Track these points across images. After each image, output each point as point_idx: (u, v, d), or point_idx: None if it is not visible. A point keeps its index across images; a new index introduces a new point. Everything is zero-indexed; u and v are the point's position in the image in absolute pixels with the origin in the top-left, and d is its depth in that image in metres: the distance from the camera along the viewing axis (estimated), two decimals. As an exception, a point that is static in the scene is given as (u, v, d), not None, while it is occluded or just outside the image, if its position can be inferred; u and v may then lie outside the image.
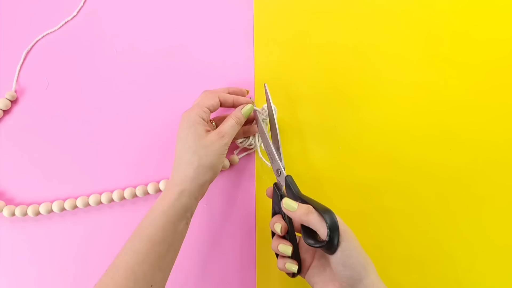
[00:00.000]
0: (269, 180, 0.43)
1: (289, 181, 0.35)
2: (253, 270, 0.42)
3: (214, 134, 0.34)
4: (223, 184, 0.43)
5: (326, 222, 0.29)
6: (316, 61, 0.46)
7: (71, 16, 0.48)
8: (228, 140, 0.35)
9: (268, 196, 0.38)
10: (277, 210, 0.37)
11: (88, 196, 0.42)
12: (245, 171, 0.44)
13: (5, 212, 0.41)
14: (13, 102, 0.45)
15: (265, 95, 0.39)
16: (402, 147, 0.44)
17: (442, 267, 0.42)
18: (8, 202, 0.43)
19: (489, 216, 0.43)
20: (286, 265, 0.34)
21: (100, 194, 0.42)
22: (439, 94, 0.45)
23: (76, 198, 0.42)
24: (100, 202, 0.42)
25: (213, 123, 0.40)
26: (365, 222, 0.43)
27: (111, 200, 0.42)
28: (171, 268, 0.32)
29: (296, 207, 0.32)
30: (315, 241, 0.31)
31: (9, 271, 0.42)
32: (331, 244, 0.29)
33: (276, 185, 0.37)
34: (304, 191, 0.43)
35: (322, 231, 0.30)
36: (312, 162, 0.44)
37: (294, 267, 0.34)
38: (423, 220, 0.43)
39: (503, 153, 0.44)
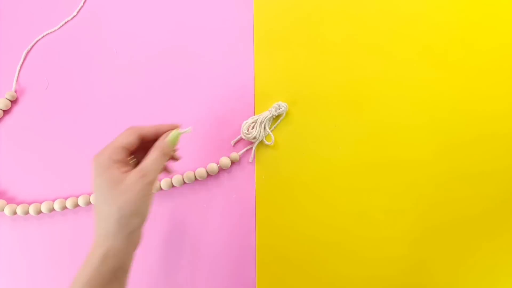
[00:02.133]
0: (269, 180, 0.44)
1: None
2: (253, 270, 0.42)
3: (132, 175, 0.28)
4: (223, 183, 0.44)
5: None
6: (316, 60, 0.46)
7: (71, 16, 0.48)
8: (152, 178, 0.29)
9: None
10: None
11: (90, 194, 0.42)
12: (244, 170, 0.44)
13: (7, 211, 0.42)
14: (13, 102, 0.46)
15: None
16: (403, 147, 0.44)
17: (445, 266, 0.42)
18: (10, 201, 0.43)
19: (493, 217, 0.43)
20: None
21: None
22: (440, 95, 0.45)
23: (77, 197, 0.42)
24: (101, 201, 0.42)
25: (134, 159, 0.33)
26: (365, 223, 0.43)
27: (112, 200, 0.42)
28: None
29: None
30: None
31: (11, 270, 0.43)
32: None
33: None
34: (304, 190, 0.44)
35: None
36: (312, 162, 0.44)
37: None
38: (425, 221, 0.43)
39: (505, 152, 0.44)
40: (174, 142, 0.32)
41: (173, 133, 0.32)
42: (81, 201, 0.42)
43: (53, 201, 0.42)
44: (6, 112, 0.45)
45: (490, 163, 0.44)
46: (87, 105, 0.46)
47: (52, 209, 0.42)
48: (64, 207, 0.42)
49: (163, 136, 0.32)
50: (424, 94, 0.45)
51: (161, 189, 0.43)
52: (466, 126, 0.45)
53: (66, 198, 0.43)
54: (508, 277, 0.42)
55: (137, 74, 0.46)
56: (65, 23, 0.48)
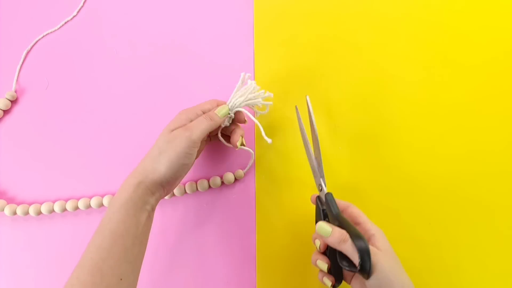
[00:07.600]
0: (268, 180, 0.44)
1: (328, 199, 0.34)
2: (253, 270, 0.42)
3: (179, 129, 0.33)
4: (223, 183, 0.44)
5: (358, 251, 0.29)
6: (316, 61, 0.46)
7: (71, 16, 0.48)
8: (193, 134, 0.33)
9: (312, 202, 0.39)
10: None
11: (90, 198, 0.42)
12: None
13: (7, 211, 0.42)
14: (13, 102, 0.46)
15: (307, 107, 0.39)
16: (402, 148, 0.44)
17: (444, 268, 0.42)
18: (10, 201, 0.43)
19: (492, 221, 0.43)
20: (323, 279, 0.35)
21: (102, 196, 0.42)
22: (441, 96, 0.45)
23: (78, 199, 0.42)
24: (101, 205, 0.42)
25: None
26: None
27: (112, 201, 0.42)
28: (141, 260, 0.33)
29: (330, 232, 0.31)
30: (350, 265, 0.31)
31: (10, 270, 0.43)
32: (363, 271, 0.29)
33: (319, 198, 0.37)
34: (304, 190, 0.44)
35: (355, 259, 0.30)
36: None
37: (328, 283, 0.34)
38: (424, 222, 0.43)
39: (505, 156, 0.44)
40: (223, 114, 0.38)
41: (222, 107, 0.38)
42: (81, 204, 0.42)
43: (53, 201, 0.42)
44: (6, 112, 0.45)
45: (496, 166, 0.44)
46: (87, 105, 0.46)
47: (52, 210, 0.42)
48: (64, 209, 0.42)
49: (214, 109, 0.37)
50: (426, 94, 0.45)
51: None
52: (469, 126, 0.44)
53: (66, 200, 0.42)
54: None
55: (137, 73, 0.46)
56: (65, 23, 0.48)
